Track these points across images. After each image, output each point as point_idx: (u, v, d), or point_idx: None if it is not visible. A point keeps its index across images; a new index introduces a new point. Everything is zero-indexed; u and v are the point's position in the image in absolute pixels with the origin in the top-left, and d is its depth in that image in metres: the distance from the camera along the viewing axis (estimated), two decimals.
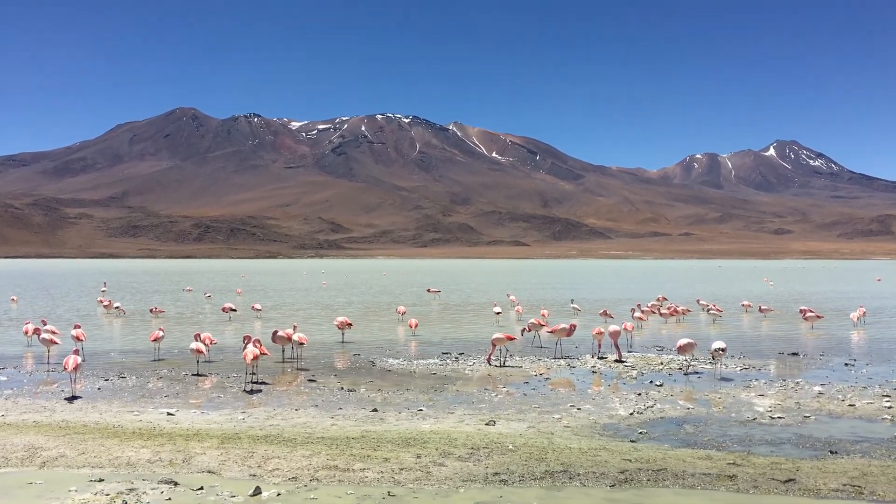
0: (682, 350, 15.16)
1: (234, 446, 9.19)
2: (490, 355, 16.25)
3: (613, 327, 17.02)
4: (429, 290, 42.34)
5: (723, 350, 14.50)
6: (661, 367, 15.80)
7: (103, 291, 43.76)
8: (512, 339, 16.32)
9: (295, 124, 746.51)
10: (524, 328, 19.13)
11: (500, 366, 15.96)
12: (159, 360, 16.86)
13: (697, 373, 15.02)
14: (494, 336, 16.05)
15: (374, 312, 30.69)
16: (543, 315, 25.21)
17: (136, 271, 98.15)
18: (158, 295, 43.22)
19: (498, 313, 26.15)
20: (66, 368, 12.41)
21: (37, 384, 13.95)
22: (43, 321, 20.04)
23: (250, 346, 13.63)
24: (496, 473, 8.17)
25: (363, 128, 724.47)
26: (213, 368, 15.62)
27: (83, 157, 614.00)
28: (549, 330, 17.74)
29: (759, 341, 20.64)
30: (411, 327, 22.00)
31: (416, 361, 16.62)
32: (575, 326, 17.59)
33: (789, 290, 48.79)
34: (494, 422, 10.64)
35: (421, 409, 11.53)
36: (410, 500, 7.44)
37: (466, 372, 15.31)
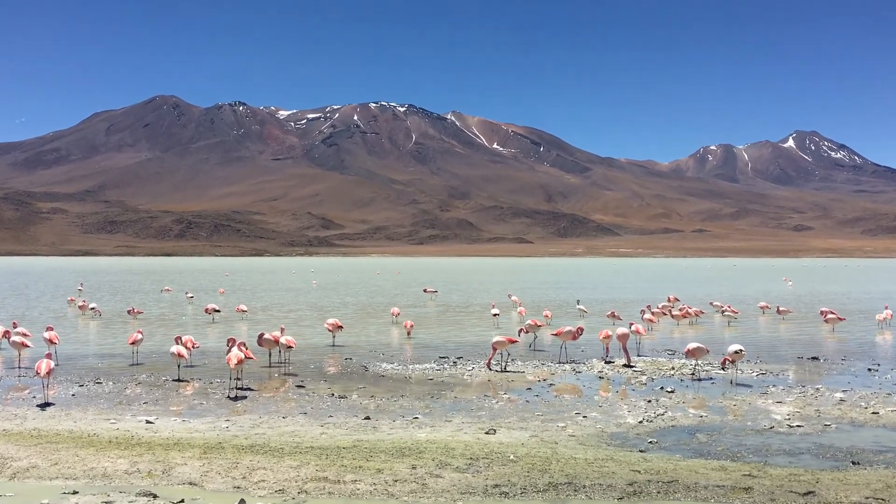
0: (690, 355, 15.20)
1: (217, 456, 9.18)
2: (490, 359, 16.25)
3: (622, 330, 17.04)
4: (425, 291, 42.36)
5: (741, 352, 14.53)
6: (672, 372, 15.82)
7: (80, 291, 43.73)
8: (514, 342, 16.31)
9: (283, 113, 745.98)
10: (521, 328, 19.15)
11: (501, 371, 15.97)
12: (138, 364, 16.84)
13: (711, 378, 15.05)
14: (495, 339, 16.05)
15: (368, 314, 30.70)
16: (546, 316, 25.25)
17: (114, 270, 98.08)
18: (137, 295, 43.19)
19: (496, 315, 26.16)
20: (38, 373, 12.40)
21: (7, 390, 13.94)
22: (14, 323, 20.00)
23: (235, 349, 13.63)
24: (496, 485, 8.17)
25: (355, 117, 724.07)
26: (196, 373, 15.61)
27: (57, 148, 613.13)
28: (554, 333, 17.75)
29: (777, 345, 20.66)
30: (406, 328, 22.05)
31: (411, 366, 16.62)
32: (582, 330, 17.61)
33: (809, 291, 48.86)
34: (495, 430, 10.64)
35: (416, 417, 11.54)
36: None
37: (465, 377, 15.32)
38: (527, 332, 19.06)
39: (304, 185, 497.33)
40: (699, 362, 16.12)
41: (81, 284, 49.80)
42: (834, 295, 44.40)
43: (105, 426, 10.94)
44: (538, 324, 19.18)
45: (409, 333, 22.01)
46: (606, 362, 16.94)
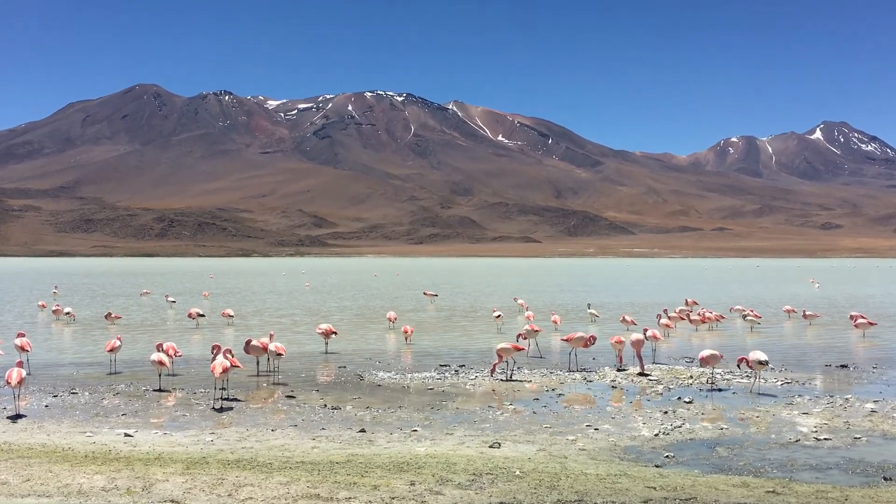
0: (704, 362, 15.28)
1: (201, 472, 9.19)
2: (494, 367, 16.25)
3: (636, 336, 17.04)
4: (425, 294, 42.42)
5: (766, 363, 14.53)
6: (690, 381, 15.82)
7: (54, 294, 43.79)
8: (520, 349, 16.33)
9: (272, 103, 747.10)
10: (519, 333, 19.11)
11: (507, 380, 15.98)
12: (116, 373, 16.86)
13: (732, 388, 15.05)
14: (500, 346, 16.06)
15: (364, 319, 30.72)
16: (555, 322, 25.30)
17: (91, 271, 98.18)
18: (116, 299, 43.23)
19: (498, 316, 26.46)
20: (8, 383, 12.40)
21: None
22: None
23: (220, 357, 13.63)
24: (501, 503, 8.18)
25: (350, 107, 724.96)
26: (178, 383, 15.62)
27: (29, 141, 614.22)
28: (565, 338, 17.78)
29: (804, 352, 20.68)
30: (405, 334, 22.07)
31: (409, 375, 16.64)
32: (594, 339, 17.60)
33: (838, 293, 48.84)
34: (499, 444, 10.65)
35: (415, 430, 11.55)
36: None
37: (468, 387, 15.33)
38: (525, 338, 19.02)
39: (294, 181, 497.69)
40: (718, 370, 16.13)
41: (56, 287, 49.86)
42: (865, 298, 44.38)
43: (81, 440, 10.95)
44: (536, 329, 19.13)
45: (407, 340, 22.03)
46: (619, 370, 16.95)
